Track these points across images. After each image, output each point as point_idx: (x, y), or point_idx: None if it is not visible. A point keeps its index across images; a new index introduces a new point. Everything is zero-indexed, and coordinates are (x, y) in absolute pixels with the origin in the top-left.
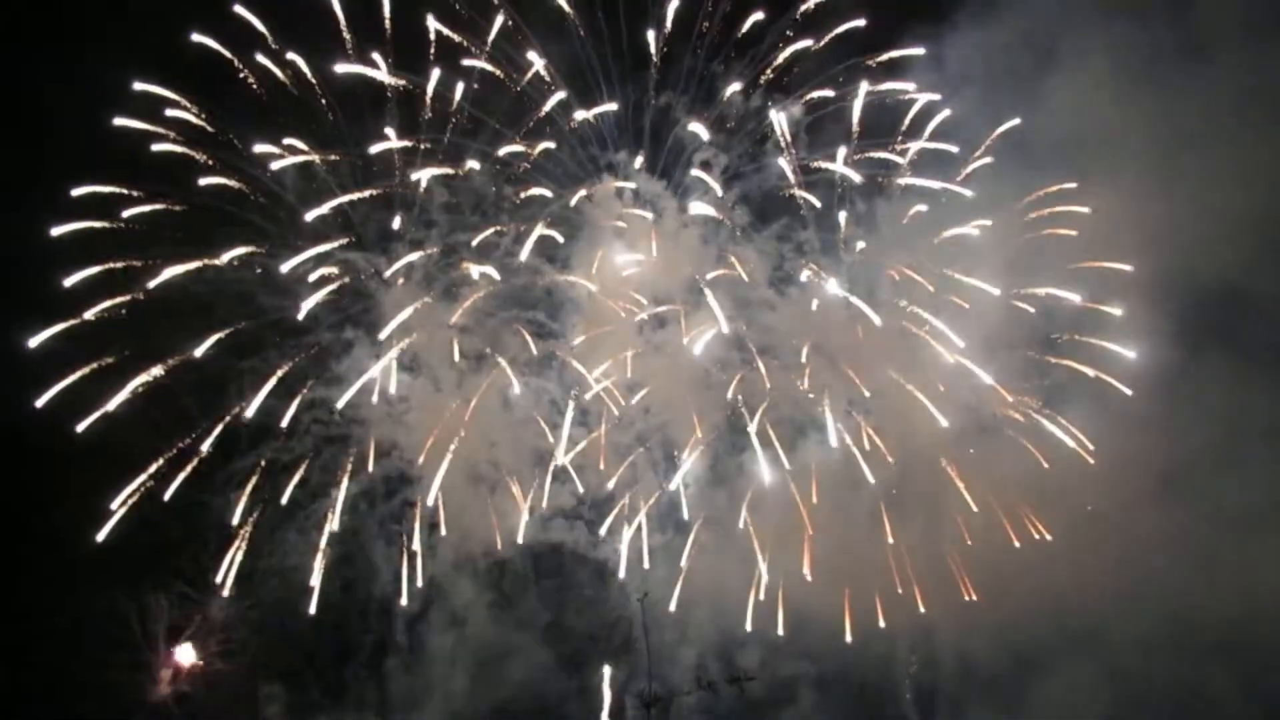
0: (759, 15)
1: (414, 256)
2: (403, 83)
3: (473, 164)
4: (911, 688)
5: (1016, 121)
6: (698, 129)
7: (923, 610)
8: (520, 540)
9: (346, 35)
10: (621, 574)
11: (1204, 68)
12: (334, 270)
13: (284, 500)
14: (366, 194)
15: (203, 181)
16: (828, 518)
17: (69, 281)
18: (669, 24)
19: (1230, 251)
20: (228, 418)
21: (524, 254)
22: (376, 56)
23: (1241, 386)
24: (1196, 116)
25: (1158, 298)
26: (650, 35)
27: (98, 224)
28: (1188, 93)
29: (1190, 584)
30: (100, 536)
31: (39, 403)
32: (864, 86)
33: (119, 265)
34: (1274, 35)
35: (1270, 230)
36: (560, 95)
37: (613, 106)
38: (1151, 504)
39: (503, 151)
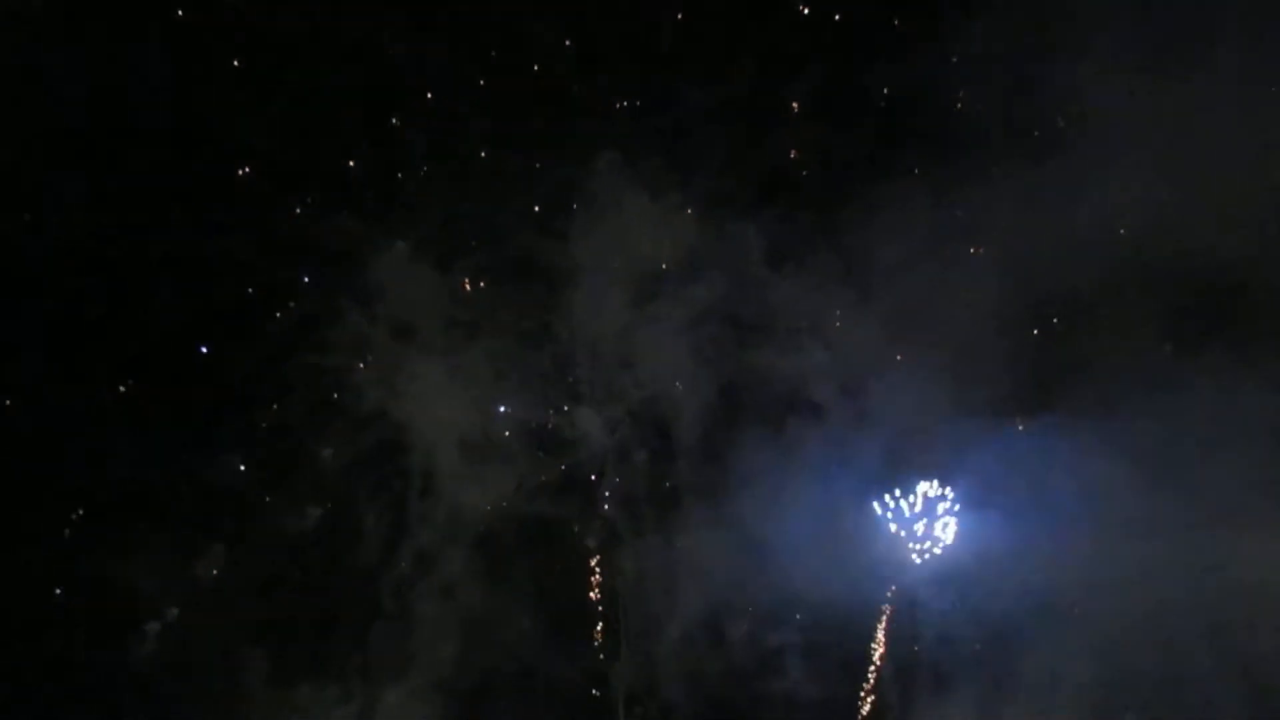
0: None
1: (410, 220)
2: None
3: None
4: (891, 664)
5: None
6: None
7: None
8: (509, 511)
9: None
10: (608, 548)
11: (1209, 50)
12: (328, 234)
13: (272, 465)
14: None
15: None
16: (818, 492)
17: None
18: None
19: (1228, 240)
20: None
21: (519, 224)
22: None
23: (1236, 375)
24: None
25: (1155, 285)
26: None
27: None
28: (1192, 77)
29: (1171, 566)
30: None
31: None
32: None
33: None
34: None
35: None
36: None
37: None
38: (1135, 487)
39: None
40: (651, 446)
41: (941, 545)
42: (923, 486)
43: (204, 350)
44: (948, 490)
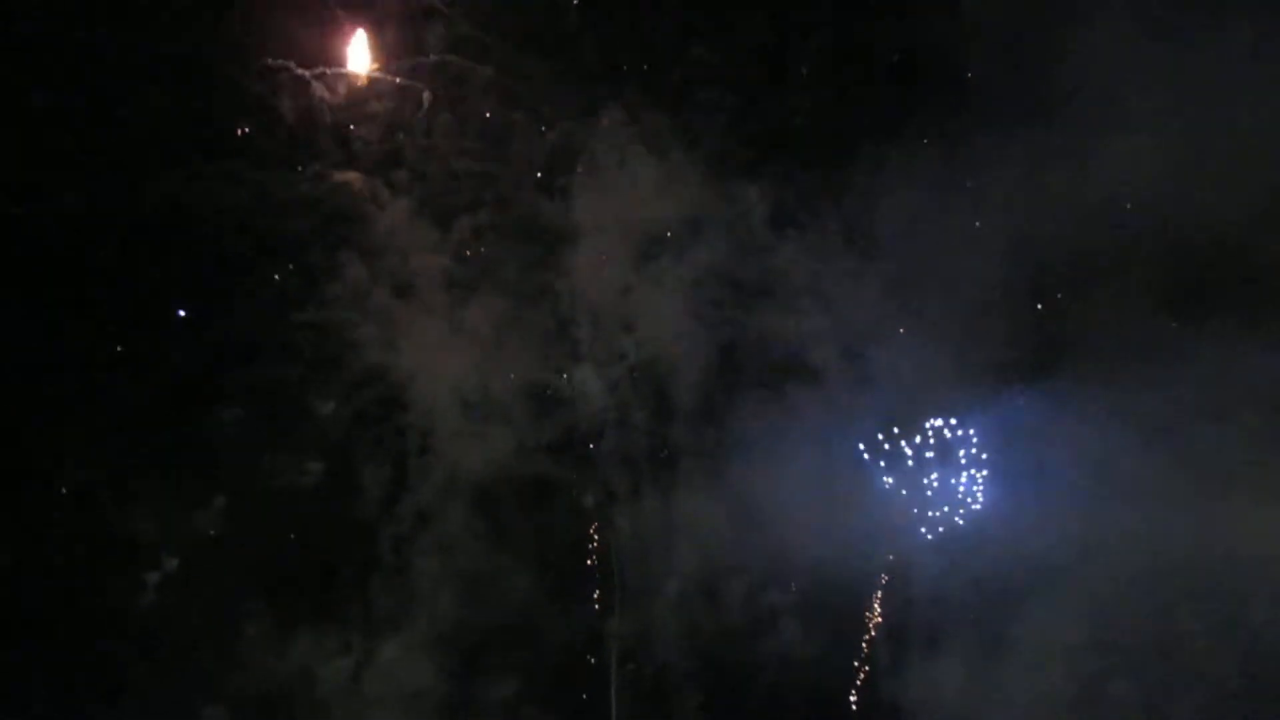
0: None
1: (411, 179)
2: None
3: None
4: (885, 626)
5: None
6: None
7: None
8: (507, 470)
9: None
10: (606, 509)
11: (1219, 18)
12: (328, 190)
13: (273, 419)
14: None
15: None
16: (816, 455)
17: None
18: None
19: (1232, 208)
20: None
21: (521, 184)
22: None
23: (1238, 343)
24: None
25: (1158, 252)
26: None
27: None
28: (1200, 44)
29: (1167, 534)
30: None
31: None
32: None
33: None
34: None
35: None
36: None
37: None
38: (1132, 454)
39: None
40: (650, 407)
41: (938, 509)
42: (921, 451)
43: (204, 305)
44: (946, 455)
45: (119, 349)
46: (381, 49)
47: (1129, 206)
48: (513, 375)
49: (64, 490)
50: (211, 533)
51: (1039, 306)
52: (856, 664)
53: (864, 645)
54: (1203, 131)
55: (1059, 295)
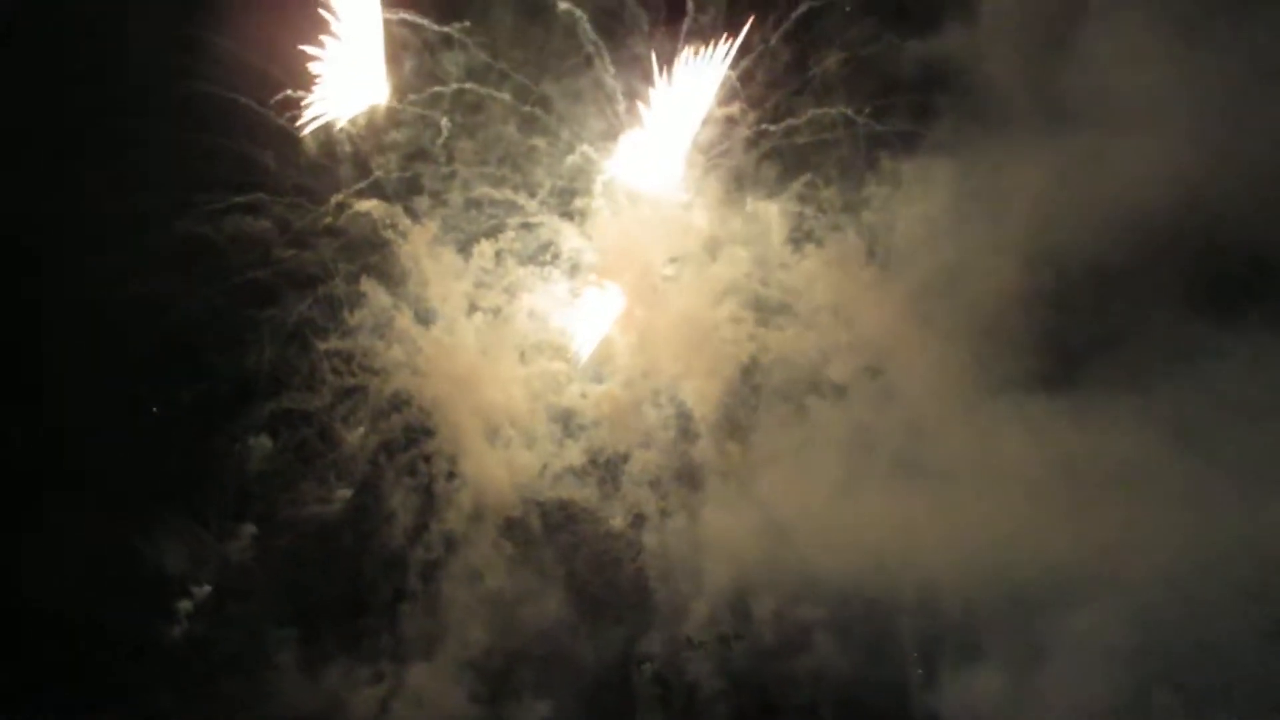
0: None
1: (432, 206)
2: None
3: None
4: (915, 642)
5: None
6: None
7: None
8: (533, 495)
9: None
10: (634, 529)
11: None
12: (351, 219)
13: (301, 447)
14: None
15: None
16: (841, 472)
17: None
18: None
19: (1260, 210)
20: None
21: (541, 209)
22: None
23: (1269, 345)
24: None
25: (1185, 256)
26: None
27: None
28: (1223, 47)
29: (1205, 532)
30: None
31: None
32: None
33: None
34: None
35: None
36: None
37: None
38: (1166, 457)
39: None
40: (676, 427)
41: (969, 517)
42: (949, 461)
43: (230, 335)
44: (975, 463)
45: (146, 379)
46: (401, 78)
47: (1153, 204)
48: (536, 399)
49: (94, 520)
50: (241, 561)
51: (1066, 311)
52: (890, 678)
53: (897, 659)
54: (1227, 132)
55: (1086, 297)
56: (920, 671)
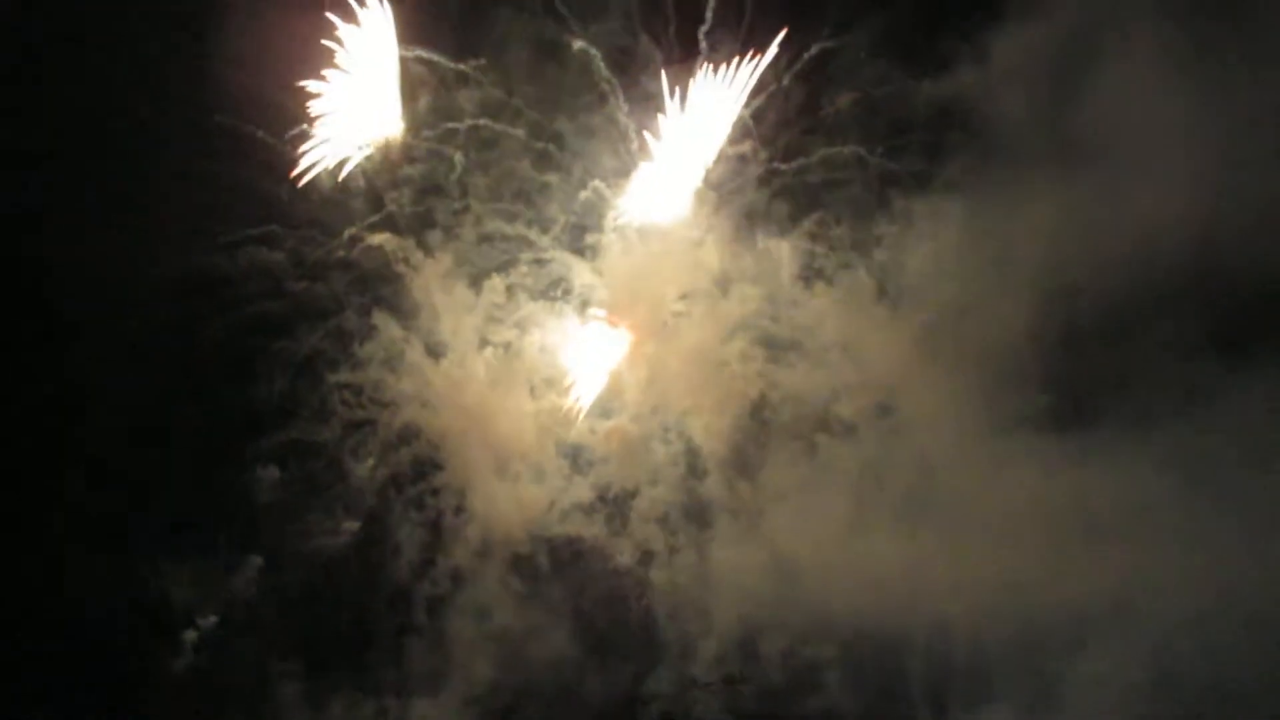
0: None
1: (445, 241)
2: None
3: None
4: (923, 683)
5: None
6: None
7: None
8: (540, 530)
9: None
10: (642, 567)
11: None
12: (364, 253)
13: (310, 479)
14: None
15: None
16: (850, 510)
17: None
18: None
19: (1275, 253)
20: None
21: (553, 244)
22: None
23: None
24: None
25: (1198, 297)
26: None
27: None
28: (1235, 83)
29: (1218, 572)
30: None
31: None
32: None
33: None
34: None
35: None
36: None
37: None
38: (1175, 498)
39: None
40: (685, 463)
41: (980, 556)
42: (959, 500)
43: (240, 367)
44: (984, 503)
45: (158, 408)
46: (416, 114)
47: (1164, 243)
48: (544, 433)
49: (100, 549)
50: (247, 593)
51: (1077, 350)
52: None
53: (907, 699)
54: (1239, 172)
55: (1095, 338)
56: (930, 712)
